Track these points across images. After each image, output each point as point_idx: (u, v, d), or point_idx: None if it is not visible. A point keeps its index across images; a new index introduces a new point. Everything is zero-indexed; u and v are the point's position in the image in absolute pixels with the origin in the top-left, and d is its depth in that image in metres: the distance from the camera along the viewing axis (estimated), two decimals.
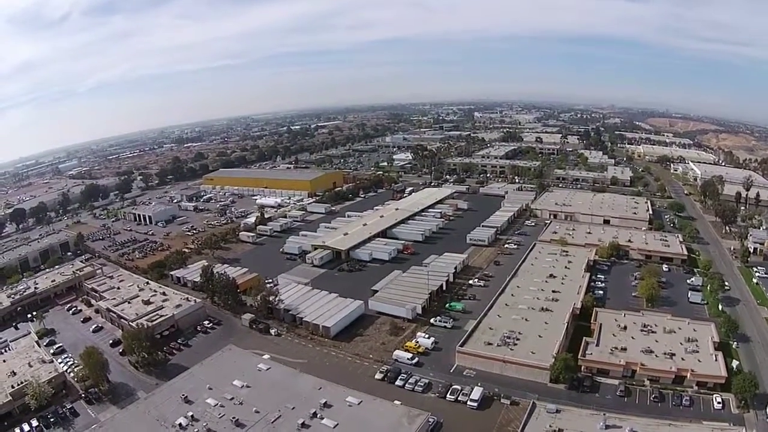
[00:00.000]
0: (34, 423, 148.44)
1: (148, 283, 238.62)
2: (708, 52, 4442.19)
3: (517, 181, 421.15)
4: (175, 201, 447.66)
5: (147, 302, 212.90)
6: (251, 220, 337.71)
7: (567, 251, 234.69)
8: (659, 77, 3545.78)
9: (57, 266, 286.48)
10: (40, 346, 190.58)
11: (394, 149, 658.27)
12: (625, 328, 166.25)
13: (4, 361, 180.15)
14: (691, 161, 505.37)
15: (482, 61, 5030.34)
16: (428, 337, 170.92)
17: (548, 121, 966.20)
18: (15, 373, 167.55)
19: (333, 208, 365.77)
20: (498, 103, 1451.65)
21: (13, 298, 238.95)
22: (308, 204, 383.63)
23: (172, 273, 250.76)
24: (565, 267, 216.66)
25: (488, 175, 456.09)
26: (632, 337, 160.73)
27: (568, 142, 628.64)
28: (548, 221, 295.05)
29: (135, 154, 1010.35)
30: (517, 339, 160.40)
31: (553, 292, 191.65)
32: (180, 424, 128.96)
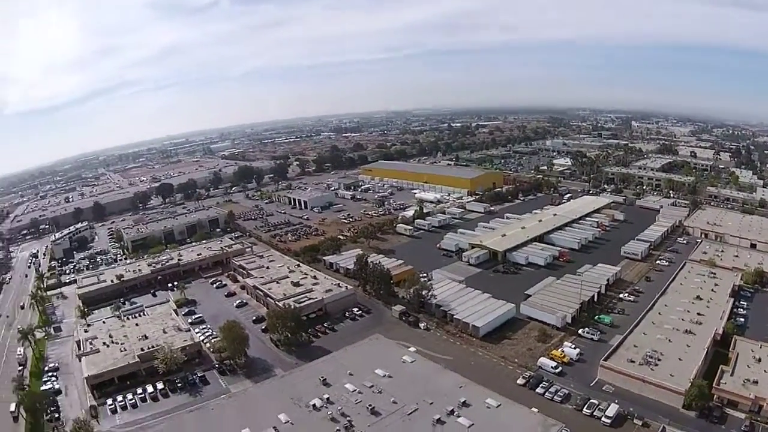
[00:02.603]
0: (159, 386, 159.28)
1: (299, 265, 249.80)
2: None
3: (671, 195, 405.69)
4: (333, 188, 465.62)
5: (296, 284, 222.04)
6: (409, 213, 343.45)
7: (715, 273, 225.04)
8: None
9: (205, 241, 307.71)
10: (177, 315, 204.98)
11: (554, 153, 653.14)
12: (760, 360, 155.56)
13: (137, 325, 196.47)
14: None
15: (640, 68, 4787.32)
16: (574, 348, 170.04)
17: (701, 136, 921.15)
18: (146, 337, 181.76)
19: (492, 209, 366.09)
20: (654, 113, 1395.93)
21: (153, 267, 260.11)
22: (467, 202, 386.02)
23: (325, 258, 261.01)
24: (711, 290, 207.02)
25: (644, 187, 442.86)
26: (765, 371, 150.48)
27: (720, 159, 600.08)
28: (699, 240, 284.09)
29: (291, 140, 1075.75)
30: (659, 359, 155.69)
31: (698, 314, 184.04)
32: (314, 405, 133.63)
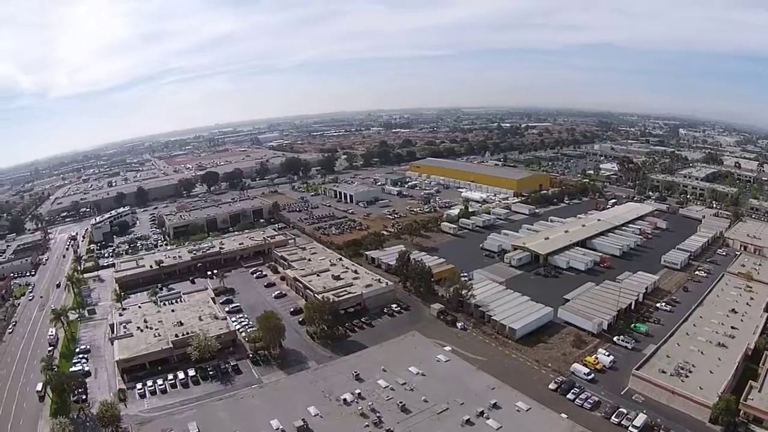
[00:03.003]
0: (191, 372, 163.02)
1: (341, 259, 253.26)
2: None
3: (714, 206, 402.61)
4: (379, 183, 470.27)
5: (337, 277, 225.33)
6: (455, 211, 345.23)
7: (751, 287, 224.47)
8: None
9: (247, 231, 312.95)
10: (215, 303, 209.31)
11: (602, 158, 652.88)
12: None
13: (173, 311, 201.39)
14: None
15: (688, 75, 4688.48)
16: (608, 355, 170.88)
17: (747, 146, 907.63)
18: (182, 324, 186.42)
19: (537, 211, 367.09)
20: (701, 121, 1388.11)
21: (193, 254, 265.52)
22: (513, 203, 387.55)
23: (367, 253, 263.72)
24: (747, 303, 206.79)
25: (688, 195, 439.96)
26: None
27: (763, 171, 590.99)
28: (738, 252, 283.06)
29: (340, 133, 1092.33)
30: (690, 371, 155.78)
31: (732, 328, 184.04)
32: (345, 399, 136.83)
